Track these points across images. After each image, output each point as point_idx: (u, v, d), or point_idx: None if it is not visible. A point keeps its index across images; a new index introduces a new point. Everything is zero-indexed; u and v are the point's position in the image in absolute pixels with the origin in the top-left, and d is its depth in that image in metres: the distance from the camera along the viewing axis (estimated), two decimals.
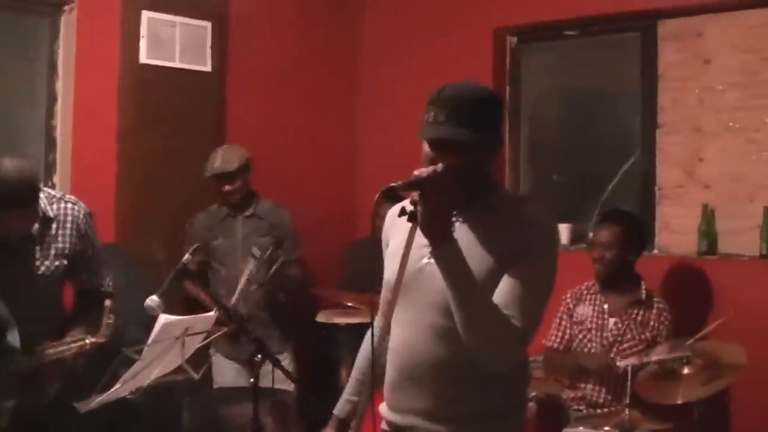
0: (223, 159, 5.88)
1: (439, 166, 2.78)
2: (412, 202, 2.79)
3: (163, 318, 3.81)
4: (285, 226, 6.09)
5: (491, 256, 2.87)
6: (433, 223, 2.76)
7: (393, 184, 2.71)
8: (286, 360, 5.96)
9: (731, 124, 5.92)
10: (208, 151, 6.04)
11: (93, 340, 4.18)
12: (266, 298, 5.98)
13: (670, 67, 6.18)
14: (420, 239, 2.81)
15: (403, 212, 2.83)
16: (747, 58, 5.86)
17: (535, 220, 2.96)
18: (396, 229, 3.10)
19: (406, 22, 7.28)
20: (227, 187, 5.94)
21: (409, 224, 2.82)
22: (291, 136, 7.04)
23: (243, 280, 5.47)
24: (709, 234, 5.86)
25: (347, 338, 6.08)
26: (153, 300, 3.70)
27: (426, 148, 2.91)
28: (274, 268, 5.66)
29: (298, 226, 6.21)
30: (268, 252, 5.60)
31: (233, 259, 5.95)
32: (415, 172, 2.78)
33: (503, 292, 2.82)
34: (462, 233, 2.90)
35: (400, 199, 2.87)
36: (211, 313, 4.16)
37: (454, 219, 2.92)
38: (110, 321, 4.25)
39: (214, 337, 4.38)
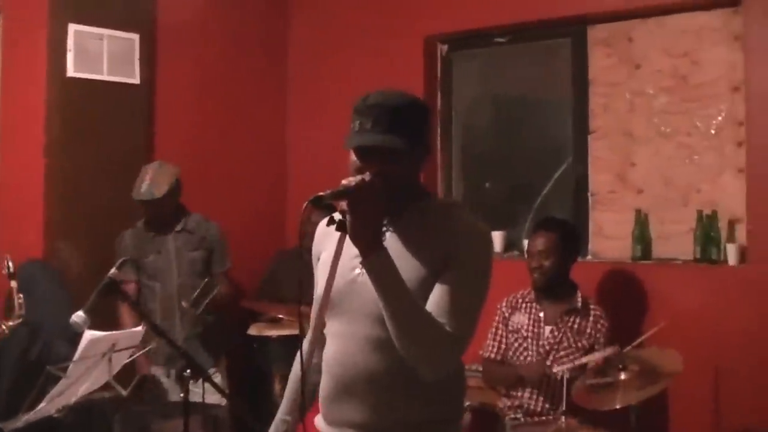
0: (151, 182, 5.71)
1: (367, 175, 2.77)
2: (341, 212, 2.76)
3: (89, 334, 3.79)
4: (214, 238, 6.01)
5: (423, 264, 2.84)
6: (362, 233, 2.73)
7: (321, 194, 2.68)
8: (218, 375, 5.89)
9: (662, 128, 5.95)
10: (138, 164, 5.93)
11: (10, 323, 4.12)
12: (198, 317, 5.82)
13: (601, 73, 6.20)
14: (351, 250, 2.81)
15: (331, 222, 2.81)
16: (677, 62, 5.90)
17: (465, 225, 2.94)
18: (327, 241, 3.07)
19: (336, 31, 7.26)
20: (153, 213, 5.83)
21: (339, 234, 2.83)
22: (221, 147, 7.00)
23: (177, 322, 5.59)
24: (642, 239, 5.87)
25: (280, 350, 6.09)
26: (78, 316, 3.62)
27: (353, 157, 2.89)
28: (209, 299, 5.53)
29: (229, 237, 6.14)
30: (197, 294, 5.51)
31: (168, 275, 5.84)
32: (343, 182, 2.75)
33: (435, 298, 2.79)
34: (393, 242, 2.89)
35: (329, 208, 2.83)
36: (138, 329, 4.11)
37: (384, 228, 2.91)
38: (21, 301, 4.19)
39: (141, 352, 4.35)
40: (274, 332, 6.24)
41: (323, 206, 2.75)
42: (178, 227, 5.91)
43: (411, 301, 2.75)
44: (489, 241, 3.01)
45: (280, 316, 6.17)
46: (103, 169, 6.13)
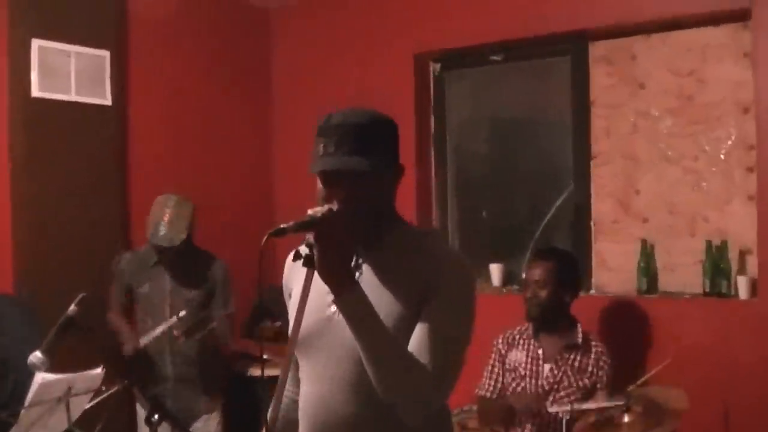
0: (171, 225, 5.43)
1: (335, 204, 2.63)
2: (308, 245, 2.59)
3: (40, 377, 3.68)
4: (219, 278, 5.73)
5: (400, 300, 2.69)
6: (331, 267, 2.57)
7: (283, 226, 2.49)
8: (215, 419, 5.74)
9: (668, 152, 5.79)
10: (110, 189, 5.83)
11: None
12: (195, 355, 5.66)
13: (602, 93, 6.03)
14: (323, 285, 2.63)
15: (297, 256, 2.64)
16: (682, 81, 5.73)
17: (444, 257, 2.78)
18: (297, 275, 2.88)
19: (322, 48, 7.12)
20: (169, 257, 5.56)
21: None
22: (200, 173, 6.74)
23: (160, 330, 5.36)
24: (648, 271, 5.72)
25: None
26: (36, 356, 3.50)
27: (319, 183, 2.70)
28: (204, 331, 5.44)
29: None
30: (193, 314, 5.43)
31: (161, 312, 5.57)
32: (309, 212, 2.58)
33: (416, 337, 2.64)
34: (368, 276, 2.76)
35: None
36: (97, 370, 3.95)
37: (359, 260, 2.80)
38: None
39: (104, 396, 4.16)
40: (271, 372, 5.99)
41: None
42: (180, 260, 5.63)
43: (390, 341, 2.61)
44: (469, 273, 2.84)
45: (266, 357, 5.94)
46: (73, 196, 5.89)
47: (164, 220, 5.40)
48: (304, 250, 2.60)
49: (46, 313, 5.33)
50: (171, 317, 5.46)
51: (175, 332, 5.38)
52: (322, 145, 2.67)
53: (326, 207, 2.59)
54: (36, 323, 5.28)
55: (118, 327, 5.57)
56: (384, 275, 2.74)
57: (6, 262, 5.63)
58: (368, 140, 2.67)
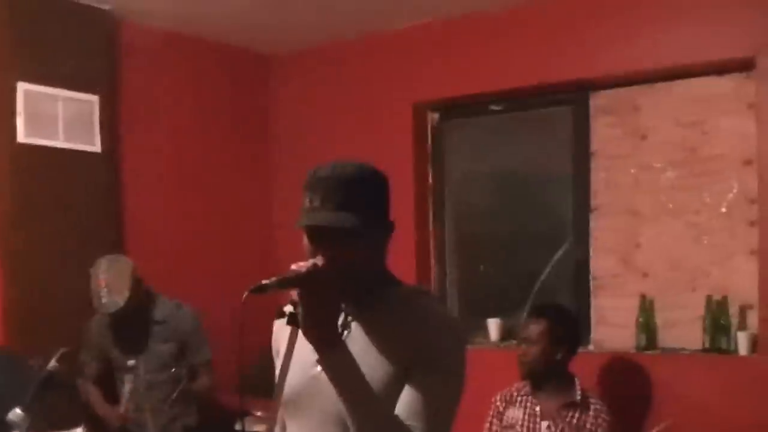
0: (109, 290, 5.32)
1: (320, 259, 2.49)
2: (292, 303, 2.49)
3: None
4: (189, 327, 5.62)
5: (388, 361, 2.57)
6: (315, 327, 2.47)
7: (265, 281, 2.39)
8: None
9: (670, 205, 5.72)
10: (104, 241, 5.67)
11: None
12: (178, 412, 5.57)
13: (604, 144, 5.96)
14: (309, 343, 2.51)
15: (281, 314, 2.56)
16: (686, 132, 5.66)
17: (436, 319, 2.65)
18: (284, 335, 2.75)
19: (320, 94, 7.05)
20: (122, 317, 5.44)
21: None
22: (199, 227, 6.62)
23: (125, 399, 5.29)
24: (648, 327, 5.64)
25: None
26: (16, 414, 3.34)
27: (305, 239, 2.59)
28: (179, 388, 5.36)
29: (209, 328, 5.73)
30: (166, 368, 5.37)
31: (135, 370, 5.44)
32: (293, 267, 2.47)
33: (404, 400, 2.53)
34: (356, 335, 2.64)
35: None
36: (78, 429, 3.79)
37: (348, 318, 2.67)
38: None
39: None
40: (259, 429, 5.88)
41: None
42: (145, 317, 5.55)
43: (376, 404, 2.50)
44: (461, 336, 2.72)
45: (258, 413, 5.83)
46: (63, 248, 5.76)
47: (101, 287, 5.31)
48: (288, 307, 2.52)
49: (35, 368, 5.30)
50: (145, 375, 5.39)
51: (121, 409, 5.31)
52: (308, 199, 2.57)
53: (311, 262, 2.50)
54: (23, 377, 5.20)
55: (94, 399, 5.51)
56: (373, 335, 2.63)
57: None
58: (356, 195, 2.57)
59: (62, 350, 4.16)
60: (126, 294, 5.28)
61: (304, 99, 7.14)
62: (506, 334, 6.32)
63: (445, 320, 2.69)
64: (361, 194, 2.57)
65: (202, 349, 5.63)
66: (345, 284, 2.55)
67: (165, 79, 6.51)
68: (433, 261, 6.67)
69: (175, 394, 5.30)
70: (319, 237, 2.55)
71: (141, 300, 5.48)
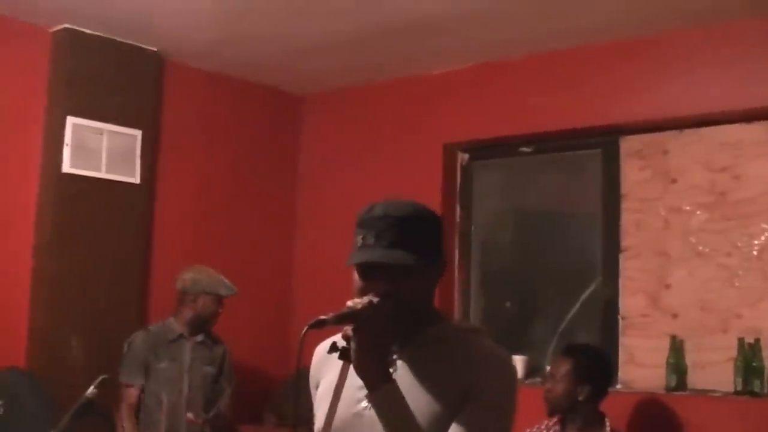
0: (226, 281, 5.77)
1: (374, 296, 2.52)
2: (345, 338, 2.53)
3: None
4: (225, 356, 5.89)
5: (437, 399, 2.56)
6: (368, 362, 2.50)
7: (323, 317, 2.43)
8: None
9: (700, 247, 5.70)
10: (133, 270, 5.85)
11: None
12: None
13: (634, 187, 5.97)
14: (355, 380, 2.56)
15: (334, 349, 2.56)
16: (715, 176, 5.67)
17: (486, 356, 2.65)
18: (327, 367, 2.77)
19: (349, 137, 7.10)
20: (221, 310, 5.78)
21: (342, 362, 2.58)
22: (222, 258, 6.59)
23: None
24: (678, 368, 5.57)
25: None
26: None
27: (356, 276, 2.61)
28: (213, 412, 5.54)
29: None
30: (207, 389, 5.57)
31: (178, 385, 5.62)
32: (349, 303, 2.51)
33: None
34: (403, 372, 2.62)
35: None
36: None
37: (393, 356, 2.64)
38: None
39: None
40: None
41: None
42: (200, 337, 5.76)
43: None
44: (513, 374, 2.73)
45: None
46: (94, 274, 5.91)
47: (221, 277, 5.70)
48: (341, 342, 2.54)
49: (59, 390, 5.32)
50: (188, 392, 5.57)
51: (190, 414, 5.42)
52: (361, 236, 2.59)
53: (366, 299, 2.52)
54: (49, 400, 5.22)
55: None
56: (420, 373, 2.62)
57: (20, 338, 5.64)
58: (410, 233, 2.58)
59: (102, 377, 4.16)
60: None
61: (334, 138, 7.18)
62: (531, 371, 6.28)
63: (498, 358, 2.67)
64: (414, 233, 2.58)
65: (231, 379, 5.84)
66: (397, 321, 2.56)
67: (201, 116, 6.66)
68: (456, 297, 6.64)
69: (210, 414, 5.44)
70: (372, 274, 2.57)
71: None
